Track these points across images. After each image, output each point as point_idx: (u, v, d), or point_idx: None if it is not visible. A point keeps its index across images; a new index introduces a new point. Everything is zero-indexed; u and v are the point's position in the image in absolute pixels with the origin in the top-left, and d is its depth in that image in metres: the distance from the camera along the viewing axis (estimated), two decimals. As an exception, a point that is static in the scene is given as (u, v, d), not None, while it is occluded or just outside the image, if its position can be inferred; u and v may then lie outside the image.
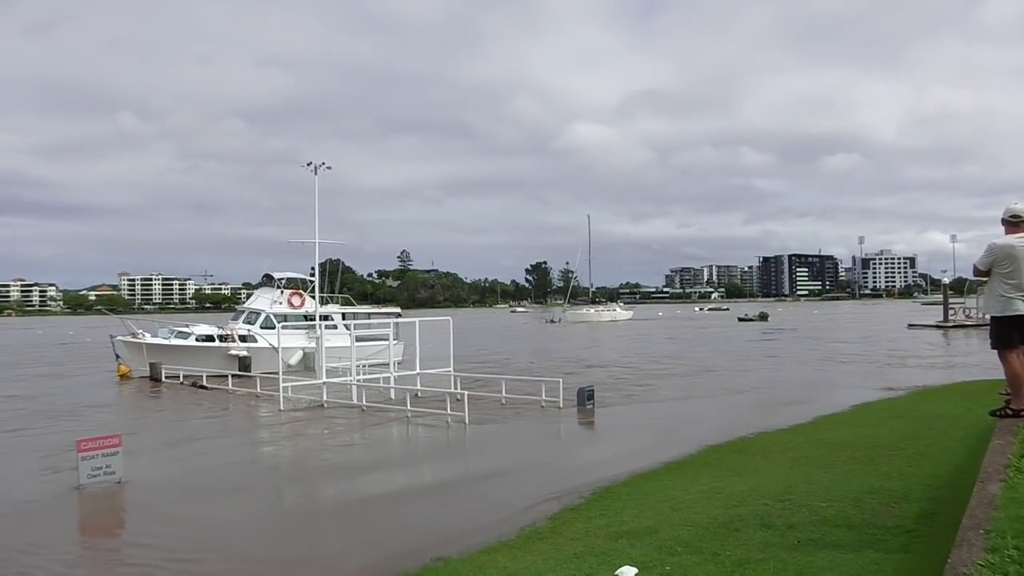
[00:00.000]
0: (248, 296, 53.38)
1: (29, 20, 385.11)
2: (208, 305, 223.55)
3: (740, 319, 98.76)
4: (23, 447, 18.48)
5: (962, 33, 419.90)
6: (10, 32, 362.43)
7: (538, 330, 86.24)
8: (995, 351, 8.11)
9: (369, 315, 41.03)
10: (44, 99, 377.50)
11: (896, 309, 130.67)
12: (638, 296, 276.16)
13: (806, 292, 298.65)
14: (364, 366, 26.54)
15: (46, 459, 16.41)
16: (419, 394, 23.85)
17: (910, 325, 69.15)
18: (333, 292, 44.39)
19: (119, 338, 35.94)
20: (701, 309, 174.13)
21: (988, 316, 8.28)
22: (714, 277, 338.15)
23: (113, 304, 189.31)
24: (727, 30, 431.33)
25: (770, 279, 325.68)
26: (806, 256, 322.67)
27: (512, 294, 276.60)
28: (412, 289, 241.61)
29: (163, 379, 32.57)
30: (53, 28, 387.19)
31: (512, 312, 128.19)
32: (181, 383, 31.78)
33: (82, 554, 10.78)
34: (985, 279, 8.26)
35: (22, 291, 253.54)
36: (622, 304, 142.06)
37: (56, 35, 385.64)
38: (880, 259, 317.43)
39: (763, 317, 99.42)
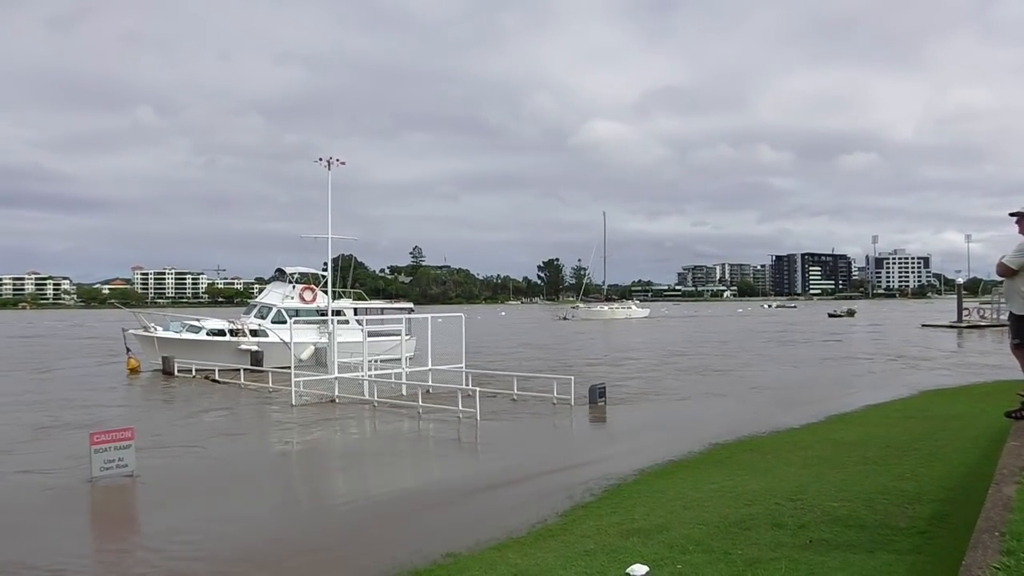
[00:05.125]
0: (260, 291, 53.49)
1: (51, 13, 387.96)
2: (221, 299, 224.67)
3: (830, 315, 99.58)
4: (35, 439, 18.60)
5: (978, 31, 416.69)
6: (32, 26, 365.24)
7: (584, 329, 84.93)
8: (1012, 351, 8.13)
9: (382, 310, 41.05)
10: (60, 93, 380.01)
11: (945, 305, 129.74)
12: (650, 294, 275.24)
13: (819, 291, 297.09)
14: (376, 361, 26.56)
15: (59, 451, 16.48)
16: (430, 390, 23.88)
17: (923, 325, 68.90)
18: (345, 287, 44.45)
19: (131, 331, 36.11)
20: (770, 306, 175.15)
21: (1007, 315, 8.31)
22: (726, 275, 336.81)
23: (126, 298, 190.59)
24: (739, 27, 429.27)
25: (783, 278, 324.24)
26: (819, 255, 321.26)
27: (524, 291, 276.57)
28: (424, 285, 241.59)
29: (175, 373, 32.74)
30: (74, 22, 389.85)
31: (574, 308, 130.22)
32: (193, 377, 31.93)
33: (93, 546, 10.86)
34: (1009, 278, 8.27)
35: (36, 284, 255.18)
36: (638, 302, 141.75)
37: (76, 29, 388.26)
38: (894, 259, 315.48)
39: (851, 313, 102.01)
